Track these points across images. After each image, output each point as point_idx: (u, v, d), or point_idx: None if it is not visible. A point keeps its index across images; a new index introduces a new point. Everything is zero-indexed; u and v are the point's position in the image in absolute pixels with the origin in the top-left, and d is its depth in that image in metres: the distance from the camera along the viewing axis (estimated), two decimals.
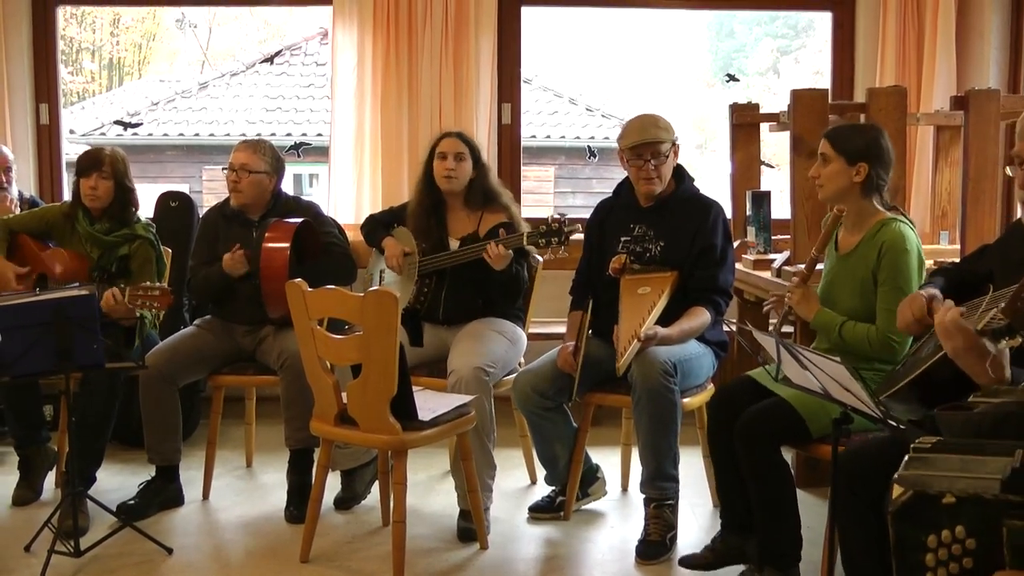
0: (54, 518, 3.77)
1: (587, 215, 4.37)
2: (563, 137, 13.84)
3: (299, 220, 4.36)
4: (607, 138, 13.46)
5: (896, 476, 2.04)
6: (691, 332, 3.93)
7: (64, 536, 3.66)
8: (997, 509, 1.89)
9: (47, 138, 6.16)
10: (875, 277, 3.43)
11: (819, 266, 3.64)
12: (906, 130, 4.67)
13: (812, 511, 3.99)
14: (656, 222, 4.08)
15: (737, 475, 3.44)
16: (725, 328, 4.10)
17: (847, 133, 3.54)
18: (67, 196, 6.00)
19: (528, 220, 4.52)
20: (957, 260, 4.04)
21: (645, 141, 3.97)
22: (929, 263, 4.20)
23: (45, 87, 6.12)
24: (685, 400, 3.91)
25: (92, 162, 4.42)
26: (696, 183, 4.18)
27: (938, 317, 2.59)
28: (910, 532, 1.96)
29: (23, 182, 5.88)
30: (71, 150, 9.56)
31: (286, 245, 4.24)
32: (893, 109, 4.50)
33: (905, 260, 3.40)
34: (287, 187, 4.72)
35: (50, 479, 4.58)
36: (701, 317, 3.94)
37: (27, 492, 4.45)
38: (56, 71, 6.16)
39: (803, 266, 3.67)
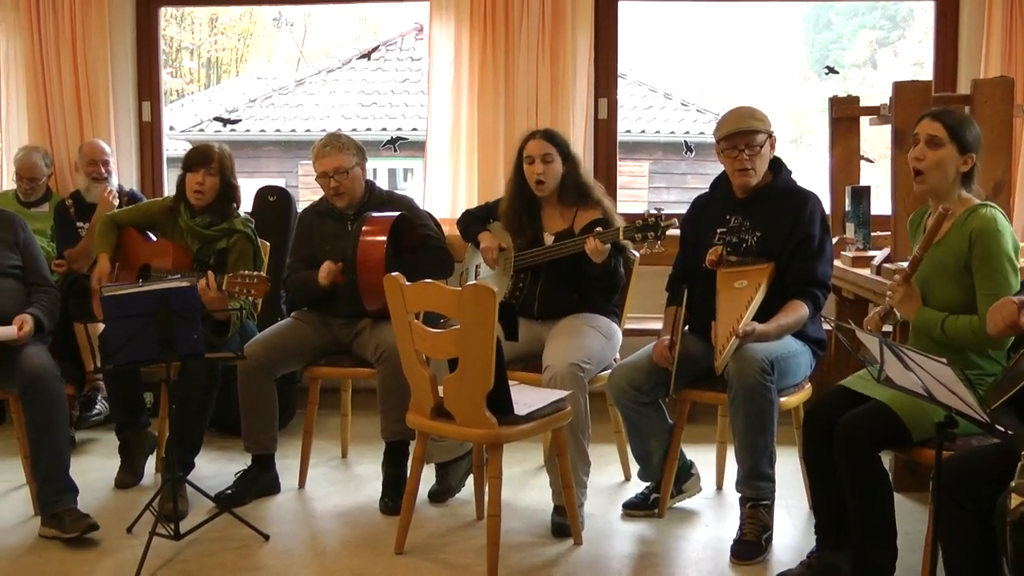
0: (155, 502, 3.86)
1: (682, 211, 4.33)
2: (658, 132, 13.72)
3: (395, 214, 4.38)
4: (702, 133, 13.31)
5: (1012, 485, 1.96)
6: (788, 327, 3.85)
7: (164, 519, 3.74)
8: None
9: (149, 135, 6.32)
10: (968, 266, 3.30)
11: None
12: (1012, 122, 4.53)
13: (911, 516, 3.91)
14: (752, 213, 4.02)
15: (833, 490, 3.35)
16: (825, 326, 4.03)
17: (963, 120, 3.40)
18: (167, 190, 6.15)
19: (622, 215, 4.49)
20: None
21: (739, 130, 3.92)
22: None
23: (147, 86, 6.28)
24: (782, 399, 3.85)
25: (201, 158, 4.49)
26: (792, 176, 4.11)
27: None
28: None
29: (126, 177, 6.05)
30: (172, 146, 9.77)
31: (383, 239, 4.25)
32: (999, 101, 4.38)
33: (998, 240, 3.26)
34: (382, 181, 4.74)
35: (150, 464, 4.69)
36: (799, 312, 3.86)
37: (128, 476, 4.57)
38: (158, 70, 6.31)
39: (906, 264, 3.56)
